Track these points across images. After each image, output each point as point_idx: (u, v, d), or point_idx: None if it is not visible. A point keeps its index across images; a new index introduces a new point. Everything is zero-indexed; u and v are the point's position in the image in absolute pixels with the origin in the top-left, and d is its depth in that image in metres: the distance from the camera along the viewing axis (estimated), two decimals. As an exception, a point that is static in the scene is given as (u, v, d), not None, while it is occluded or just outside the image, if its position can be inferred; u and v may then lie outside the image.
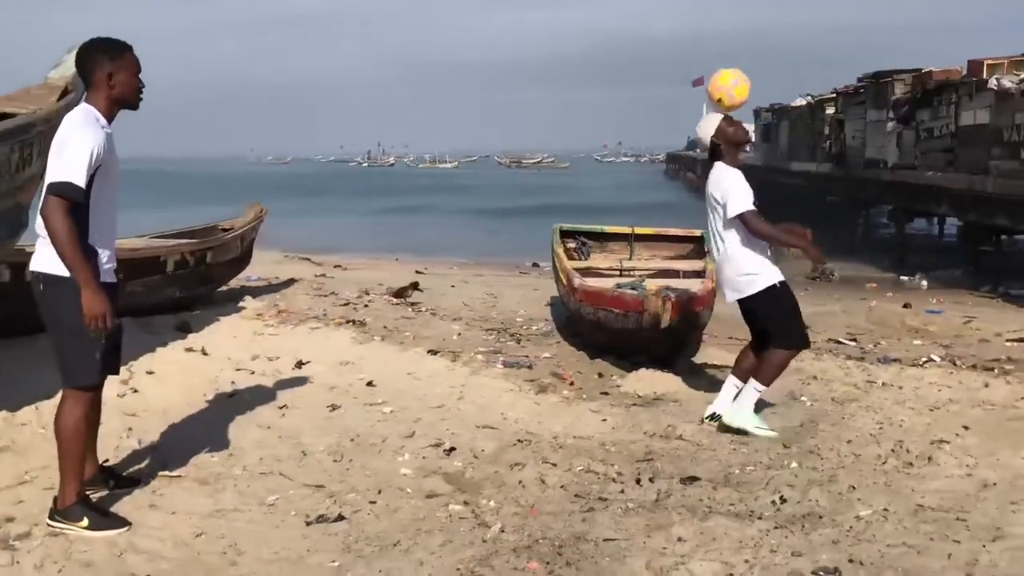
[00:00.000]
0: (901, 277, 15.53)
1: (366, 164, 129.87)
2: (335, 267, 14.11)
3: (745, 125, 5.33)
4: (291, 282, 11.51)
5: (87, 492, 3.89)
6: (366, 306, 9.78)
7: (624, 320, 6.43)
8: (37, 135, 5.86)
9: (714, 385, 6.20)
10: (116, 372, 4.22)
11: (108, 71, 3.80)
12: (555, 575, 3.36)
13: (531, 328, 8.67)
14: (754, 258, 5.06)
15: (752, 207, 5.01)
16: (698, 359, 7.12)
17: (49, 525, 3.72)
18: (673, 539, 3.62)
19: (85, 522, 3.70)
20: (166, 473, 4.39)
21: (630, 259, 9.65)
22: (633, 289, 6.60)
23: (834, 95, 24.05)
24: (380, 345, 7.57)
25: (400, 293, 10.54)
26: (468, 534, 3.73)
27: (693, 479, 4.32)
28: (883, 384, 6.22)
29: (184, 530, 3.76)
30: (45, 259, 3.76)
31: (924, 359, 7.18)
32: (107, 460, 4.41)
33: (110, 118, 3.87)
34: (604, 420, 5.41)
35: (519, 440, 4.98)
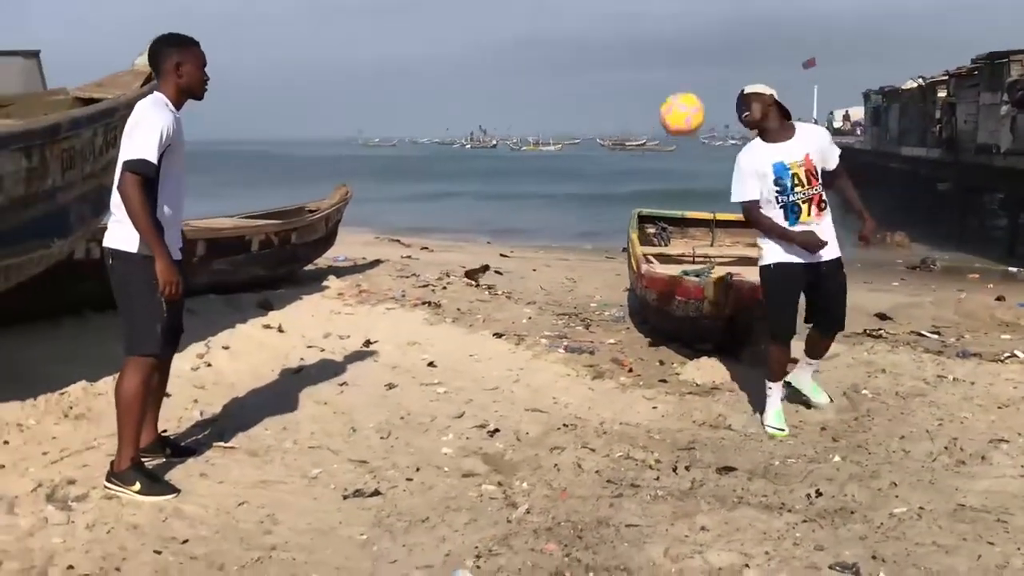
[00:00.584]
0: (1009, 268, 14.91)
1: (469, 146, 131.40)
2: (422, 249, 14.37)
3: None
4: (377, 263, 11.77)
5: (143, 458, 4.13)
6: (444, 288, 9.94)
7: (685, 307, 6.38)
8: (120, 119, 6.13)
9: (775, 376, 6.11)
10: (175, 347, 4.44)
11: (176, 61, 4.09)
12: (572, 557, 3.41)
13: (603, 314, 8.68)
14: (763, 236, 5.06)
15: (746, 199, 4.98)
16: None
17: (105, 487, 3.96)
18: (696, 528, 3.62)
19: (137, 486, 3.93)
20: (221, 444, 4.60)
21: (712, 245, 9.54)
22: (697, 276, 6.54)
23: (946, 77, 23.11)
24: (449, 327, 7.71)
25: (472, 274, 10.71)
26: (494, 514, 3.81)
27: (729, 469, 4.29)
28: (954, 379, 6.00)
29: (228, 499, 3.94)
30: (115, 236, 4.06)
31: (1007, 354, 6.89)
32: (165, 430, 4.65)
33: (178, 106, 4.14)
34: (655, 408, 5.41)
35: (565, 424, 5.03)
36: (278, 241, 9.11)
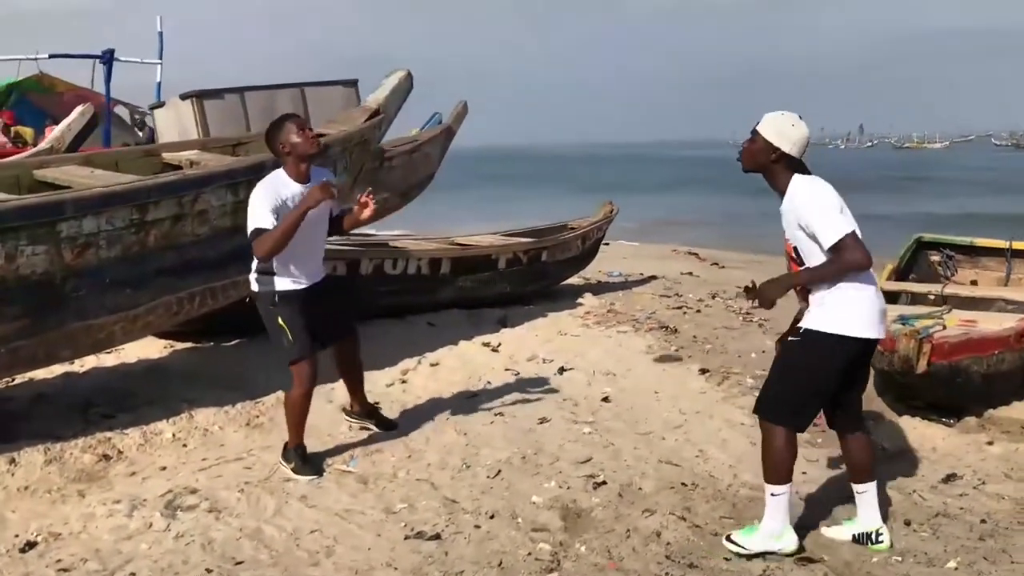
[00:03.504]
0: None
1: (843, 147, 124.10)
2: (712, 265, 13.97)
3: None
4: (651, 279, 11.68)
5: (354, 421, 5.45)
6: (698, 311, 9.63)
7: (880, 359, 5.66)
8: (338, 153, 6.75)
9: (981, 449, 5.28)
10: (343, 336, 5.18)
11: (280, 142, 4.68)
12: (559, 640, 3.24)
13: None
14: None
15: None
16: (1006, 413, 6.01)
17: (279, 463, 4.87)
18: (715, 627, 3.27)
19: (292, 464, 4.79)
20: (340, 467, 4.92)
21: (1006, 283, 8.36)
22: (904, 323, 5.75)
23: None
24: (659, 355, 7.51)
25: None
26: (522, 577, 3.71)
27: (811, 561, 3.80)
28: None
29: (306, 524, 4.21)
30: (253, 284, 4.80)
31: None
32: (378, 402, 5.73)
33: (298, 174, 4.70)
34: (804, 472, 4.88)
35: (684, 483, 4.73)
36: (527, 259, 9.40)
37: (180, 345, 7.33)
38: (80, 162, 6.17)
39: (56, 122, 14.36)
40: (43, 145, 7.57)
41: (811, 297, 3.84)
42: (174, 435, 5.36)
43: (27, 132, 14.71)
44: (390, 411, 5.88)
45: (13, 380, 6.28)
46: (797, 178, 3.84)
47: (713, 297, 10.46)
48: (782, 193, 3.88)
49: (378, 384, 6.52)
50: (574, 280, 11.13)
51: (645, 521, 4.25)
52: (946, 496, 4.53)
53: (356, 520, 4.28)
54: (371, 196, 4.90)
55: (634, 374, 6.92)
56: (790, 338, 3.92)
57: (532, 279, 9.55)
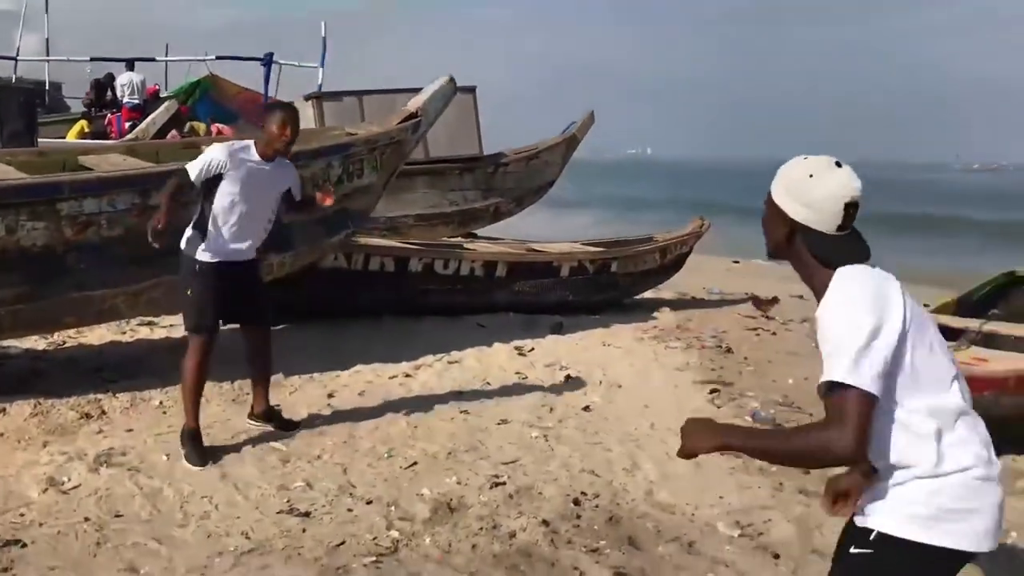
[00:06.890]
0: None
1: None
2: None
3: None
4: (748, 300, 11.27)
5: (255, 424, 5.40)
6: (774, 334, 9.27)
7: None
8: (366, 152, 7.07)
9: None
10: (235, 322, 5.38)
11: (265, 122, 5.10)
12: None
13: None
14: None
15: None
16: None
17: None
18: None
19: (185, 449, 4.91)
20: (274, 444, 5.17)
21: None
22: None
23: None
24: (690, 373, 7.31)
25: (760, 303, 10.36)
26: (335, 560, 3.82)
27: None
28: None
29: (203, 490, 4.48)
30: (183, 240, 5.07)
31: None
32: (278, 404, 5.64)
33: (264, 155, 5.05)
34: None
35: (586, 493, 4.64)
36: (593, 269, 9.35)
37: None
38: (123, 151, 6.80)
39: (224, 120, 15.61)
40: (130, 136, 8.36)
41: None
42: (160, 402, 5.80)
43: (200, 127, 16.05)
44: (374, 399, 6.11)
45: (64, 343, 7.04)
46: (837, 275, 2.18)
47: (803, 321, 9.97)
48: (816, 294, 2.24)
49: (382, 376, 6.77)
50: (666, 294, 10.97)
51: (510, 522, 4.23)
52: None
53: (248, 492, 4.51)
54: (330, 194, 5.38)
55: (642, 388, 6.79)
56: (853, 549, 2.23)
57: (598, 289, 9.48)
